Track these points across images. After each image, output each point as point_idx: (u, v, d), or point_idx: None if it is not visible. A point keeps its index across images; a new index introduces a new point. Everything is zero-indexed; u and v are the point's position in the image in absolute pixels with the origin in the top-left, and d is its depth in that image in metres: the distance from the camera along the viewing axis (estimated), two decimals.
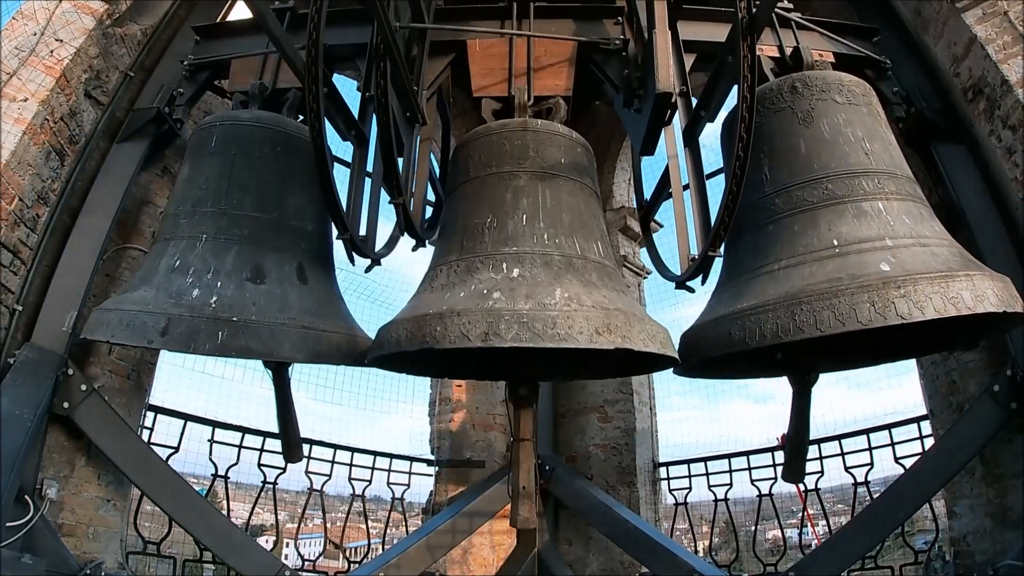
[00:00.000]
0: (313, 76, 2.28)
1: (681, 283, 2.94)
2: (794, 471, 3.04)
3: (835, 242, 2.38)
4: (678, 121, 3.05)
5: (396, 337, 2.29)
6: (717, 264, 2.76)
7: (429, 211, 4.05)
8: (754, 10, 2.25)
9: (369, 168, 3.26)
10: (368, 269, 3.15)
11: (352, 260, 2.96)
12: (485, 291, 2.21)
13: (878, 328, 2.12)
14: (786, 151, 2.72)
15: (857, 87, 2.87)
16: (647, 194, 3.93)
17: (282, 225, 2.95)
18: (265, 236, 2.88)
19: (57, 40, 3.38)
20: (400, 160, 2.97)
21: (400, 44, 2.68)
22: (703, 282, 2.84)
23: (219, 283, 2.64)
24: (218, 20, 4.17)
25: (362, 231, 3.06)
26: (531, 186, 2.59)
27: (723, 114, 3.01)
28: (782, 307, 2.23)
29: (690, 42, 3.27)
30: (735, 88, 2.39)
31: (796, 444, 2.95)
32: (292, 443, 3.31)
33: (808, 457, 4.80)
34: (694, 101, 3.04)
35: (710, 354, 2.47)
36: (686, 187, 3.02)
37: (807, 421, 2.86)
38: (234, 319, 2.50)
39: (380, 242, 3.35)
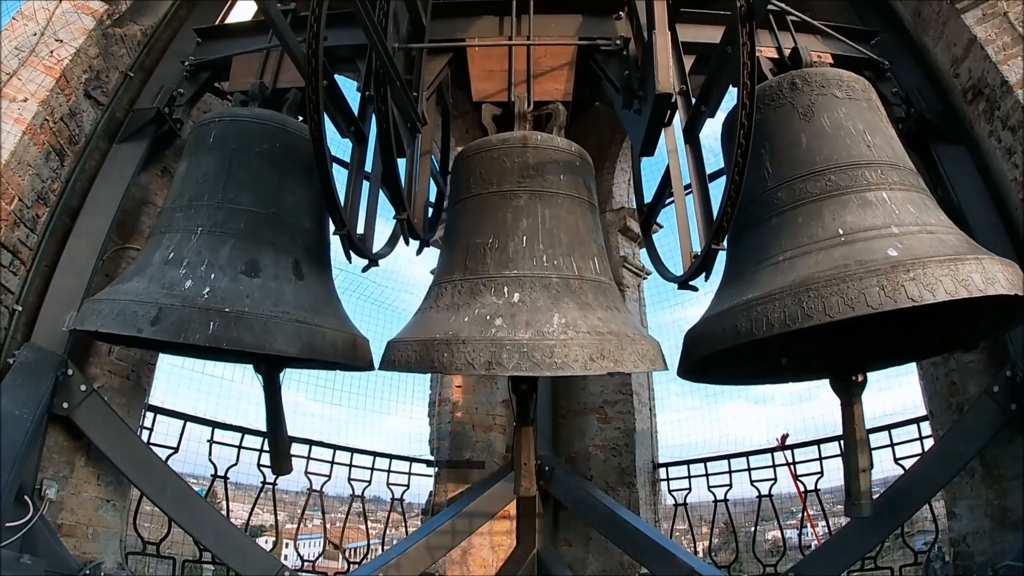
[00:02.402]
0: (313, 68, 2.30)
1: (684, 283, 2.94)
2: (854, 503, 2.73)
3: (840, 231, 2.33)
4: (678, 120, 3.05)
5: (406, 358, 2.44)
6: (719, 266, 2.75)
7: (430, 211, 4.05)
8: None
9: (368, 168, 3.26)
10: (365, 269, 3.13)
11: (349, 258, 2.94)
12: (488, 317, 2.39)
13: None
14: (787, 146, 2.71)
15: (856, 83, 2.87)
16: (648, 196, 3.93)
17: (279, 221, 2.92)
18: (261, 231, 2.84)
19: (57, 40, 3.38)
20: (403, 174, 2.99)
21: (399, 64, 2.71)
22: (707, 278, 2.82)
23: (213, 275, 2.61)
24: (218, 21, 4.17)
25: (360, 229, 3.07)
26: (530, 206, 2.69)
27: (723, 115, 3.02)
28: (789, 295, 2.18)
29: (689, 44, 3.27)
30: (735, 86, 2.40)
31: (850, 467, 2.72)
32: (281, 453, 3.21)
33: (809, 458, 4.91)
34: (694, 101, 3.04)
35: (717, 348, 2.43)
36: (687, 187, 3.03)
37: (861, 434, 2.71)
38: (226, 310, 2.47)
39: (379, 242, 3.36)
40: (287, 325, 2.59)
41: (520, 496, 3.27)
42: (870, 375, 2.76)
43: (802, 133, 2.70)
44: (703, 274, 2.79)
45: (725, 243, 2.61)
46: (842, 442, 4.60)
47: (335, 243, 2.97)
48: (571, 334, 2.29)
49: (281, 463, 3.23)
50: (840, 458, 4.65)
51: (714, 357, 2.56)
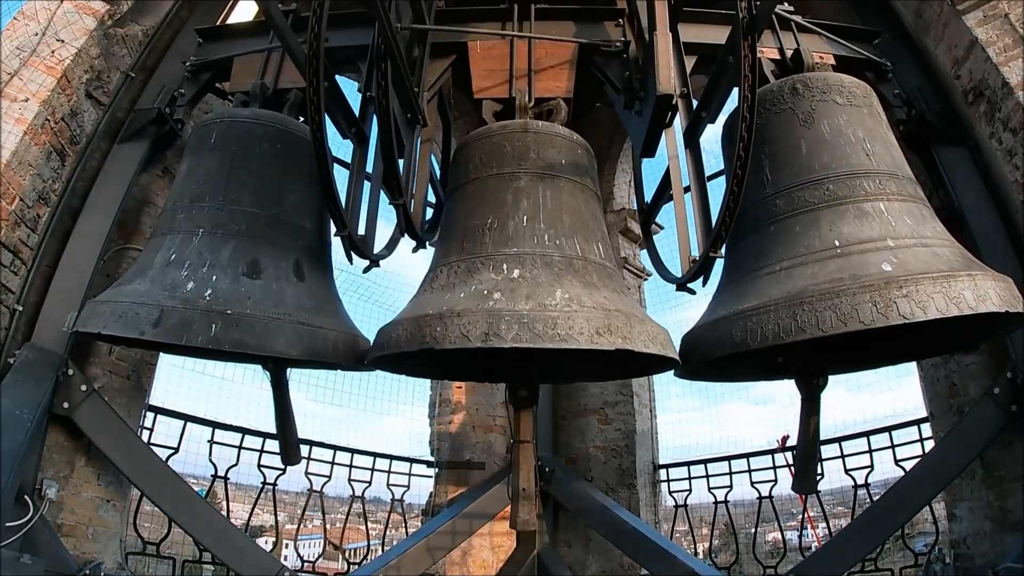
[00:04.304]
0: (315, 69, 2.28)
1: (681, 285, 2.93)
2: (804, 482, 2.89)
3: (836, 243, 2.37)
4: (679, 123, 3.05)
5: (396, 338, 2.29)
6: (718, 267, 2.75)
7: (430, 212, 4.05)
8: (755, 11, 2.25)
9: (369, 168, 3.27)
10: (367, 269, 3.12)
11: (350, 259, 2.94)
12: (485, 292, 2.22)
13: (881, 330, 2.10)
14: (787, 152, 2.72)
15: (858, 88, 2.87)
16: (648, 196, 3.93)
17: (280, 221, 2.92)
18: (262, 232, 2.84)
19: (58, 40, 3.38)
20: (401, 162, 2.97)
21: (401, 45, 2.68)
22: (704, 283, 2.83)
23: (214, 276, 2.61)
24: (219, 21, 4.17)
25: (361, 230, 3.06)
26: (531, 187, 2.59)
27: (723, 117, 3.02)
28: (784, 307, 2.21)
29: (691, 44, 3.27)
30: (736, 90, 2.40)
31: (805, 452, 2.80)
32: (291, 445, 3.24)
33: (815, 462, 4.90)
34: (695, 103, 3.04)
35: (712, 355, 2.44)
36: (687, 189, 3.03)
37: (816, 428, 2.75)
38: (228, 312, 2.47)
39: (380, 243, 3.36)
40: (288, 327, 2.59)
41: (519, 530, 3.08)
42: (874, 375, 2.78)
43: (802, 140, 2.71)
44: (701, 279, 2.79)
45: (723, 252, 2.62)
46: (841, 443, 4.69)
47: (336, 244, 2.96)
48: (575, 307, 2.14)
49: (290, 454, 3.27)
50: (840, 460, 4.66)
51: (710, 362, 2.56)
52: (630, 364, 2.80)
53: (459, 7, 3.50)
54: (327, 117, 2.68)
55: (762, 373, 3.11)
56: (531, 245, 2.41)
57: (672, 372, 2.79)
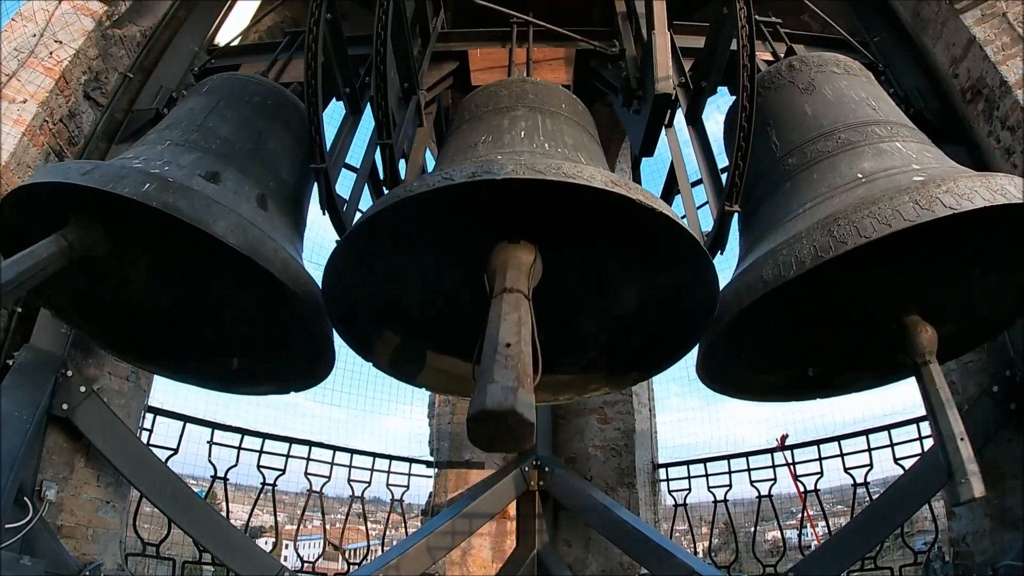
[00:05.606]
0: None
1: None
2: None
3: (860, 175, 2.24)
4: (680, 112, 3.04)
5: (376, 207, 2.03)
6: (730, 259, 2.67)
7: None
8: None
9: (360, 159, 3.23)
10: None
11: (323, 207, 2.69)
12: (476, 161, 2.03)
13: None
14: (792, 118, 2.66)
15: (853, 64, 2.86)
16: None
17: (255, 155, 2.71)
18: (233, 156, 2.62)
19: (56, 41, 3.38)
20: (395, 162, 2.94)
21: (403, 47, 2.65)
22: (722, 251, 2.63)
23: (167, 168, 2.38)
24: (217, 21, 4.17)
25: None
26: (530, 115, 2.46)
27: (721, 116, 3.02)
28: (816, 230, 2.03)
29: (685, 49, 3.28)
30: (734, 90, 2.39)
31: None
32: None
33: (809, 458, 4.91)
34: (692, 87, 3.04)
35: (743, 305, 2.18)
36: (695, 184, 3.01)
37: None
38: (169, 179, 2.22)
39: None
40: (233, 216, 2.26)
41: (495, 410, 2.27)
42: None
43: (806, 104, 2.66)
44: (719, 250, 2.61)
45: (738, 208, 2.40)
46: (840, 441, 4.69)
47: (325, 238, 2.81)
48: (583, 165, 1.89)
49: None
50: (840, 458, 4.66)
51: (736, 346, 2.41)
52: (646, 360, 2.64)
53: (460, 29, 3.53)
54: (322, 90, 2.50)
55: (791, 389, 2.89)
56: (530, 151, 2.23)
57: (702, 381, 2.65)
